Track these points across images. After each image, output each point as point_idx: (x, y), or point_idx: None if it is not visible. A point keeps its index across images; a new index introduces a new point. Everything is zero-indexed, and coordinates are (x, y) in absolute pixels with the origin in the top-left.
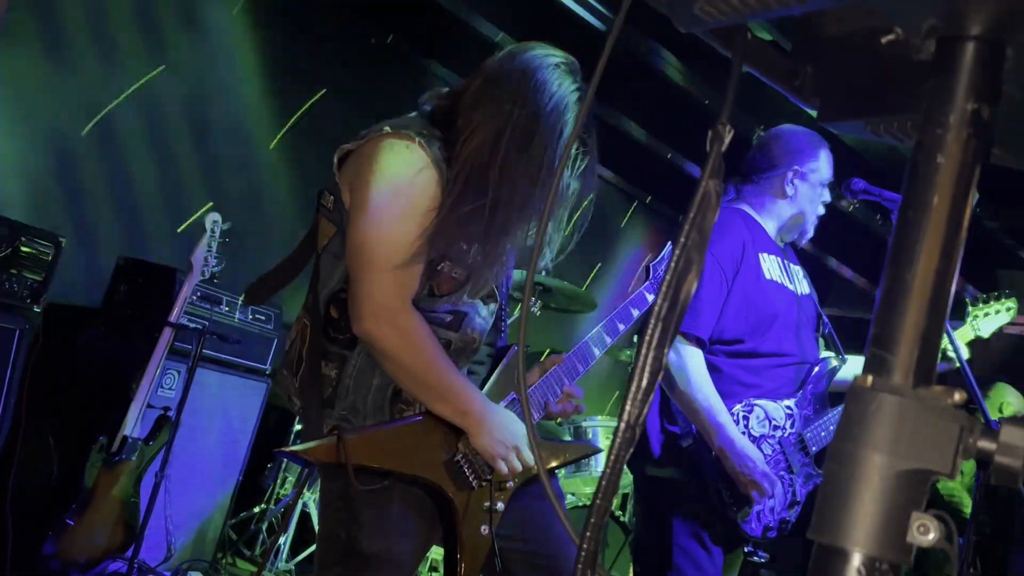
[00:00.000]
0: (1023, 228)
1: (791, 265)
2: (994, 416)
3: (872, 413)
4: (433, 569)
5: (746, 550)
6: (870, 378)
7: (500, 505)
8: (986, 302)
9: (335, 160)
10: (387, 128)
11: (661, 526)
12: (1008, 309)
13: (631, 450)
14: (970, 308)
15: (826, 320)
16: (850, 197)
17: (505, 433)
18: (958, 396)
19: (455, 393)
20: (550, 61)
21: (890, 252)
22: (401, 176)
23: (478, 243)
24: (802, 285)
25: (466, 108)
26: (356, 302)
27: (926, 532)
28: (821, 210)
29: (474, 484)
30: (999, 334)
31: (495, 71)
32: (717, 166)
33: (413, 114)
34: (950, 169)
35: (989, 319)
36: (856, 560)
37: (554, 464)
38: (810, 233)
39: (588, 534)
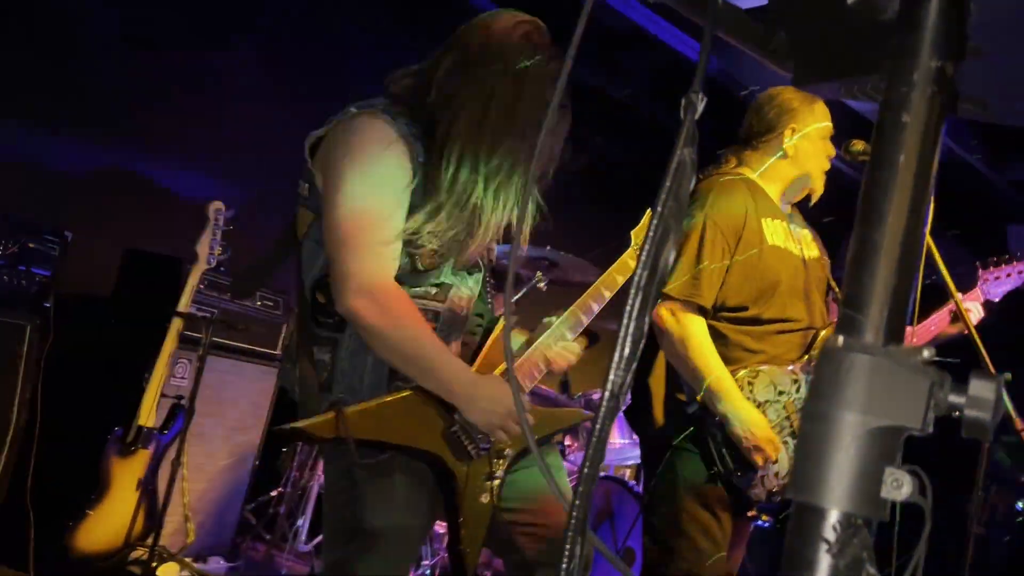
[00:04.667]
0: None
1: (798, 229)
2: None
3: (844, 372)
4: None
5: (749, 515)
6: (841, 338)
7: (499, 473)
8: (996, 265)
9: (306, 148)
10: (353, 109)
11: (669, 494)
12: (1020, 272)
13: (615, 418)
14: (980, 272)
15: (833, 285)
16: (849, 159)
17: (496, 403)
18: (927, 353)
19: (441, 367)
20: (521, 29)
21: (859, 212)
22: (370, 153)
23: (462, 213)
24: (810, 249)
25: (443, 84)
26: (337, 280)
27: (899, 486)
28: (827, 164)
29: (473, 454)
30: None
31: (468, 44)
32: (691, 134)
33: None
34: (916, 127)
35: (1000, 283)
36: (832, 516)
37: (548, 432)
38: (820, 189)
39: (578, 501)
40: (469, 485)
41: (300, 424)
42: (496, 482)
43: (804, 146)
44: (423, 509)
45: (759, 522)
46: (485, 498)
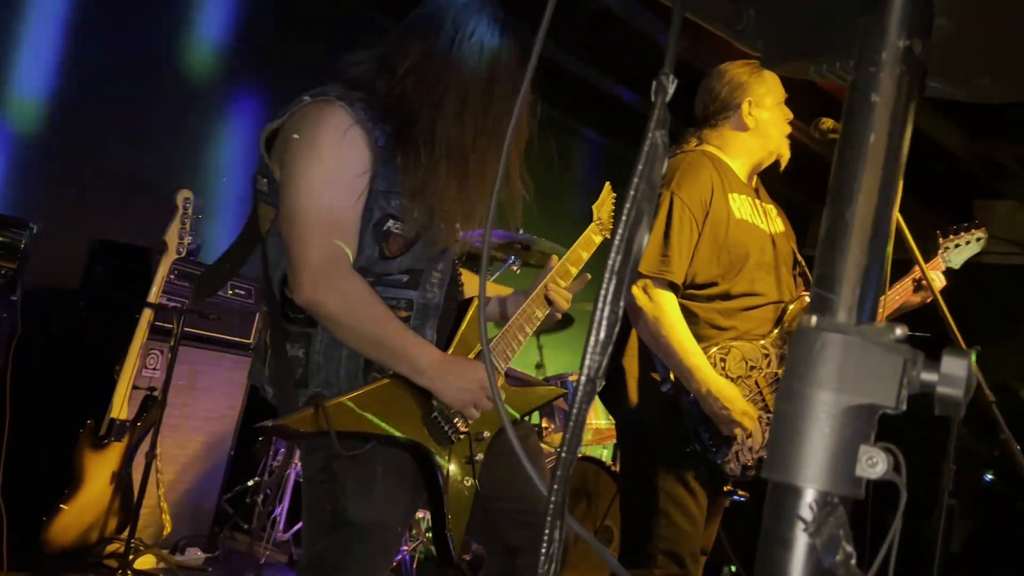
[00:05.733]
0: (997, 158)
1: (764, 204)
2: None
3: (817, 352)
4: (430, 529)
5: (726, 490)
6: (814, 318)
7: (480, 456)
8: (956, 233)
9: (262, 141)
10: (306, 98)
11: (645, 472)
12: (978, 239)
13: (592, 403)
14: (941, 240)
15: (799, 259)
16: (819, 137)
17: (467, 381)
18: (900, 331)
19: (408, 351)
20: (487, 11)
21: (829, 192)
22: (326, 141)
23: (457, 199)
24: (776, 224)
25: (415, 72)
26: (295, 271)
27: (874, 464)
28: (788, 129)
29: (453, 438)
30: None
31: (436, 30)
32: (663, 116)
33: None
34: (885, 107)
35: (960, 250)
36: (808, 496)
37: (523, 411)
38: (786, 154)
39: (556, 486)
40: (451, 469)
41: (280, 421)
42: (477, 465)
43: (764, 116)
44: (404, 499)
45: (736, 497)
46: (467, 481)
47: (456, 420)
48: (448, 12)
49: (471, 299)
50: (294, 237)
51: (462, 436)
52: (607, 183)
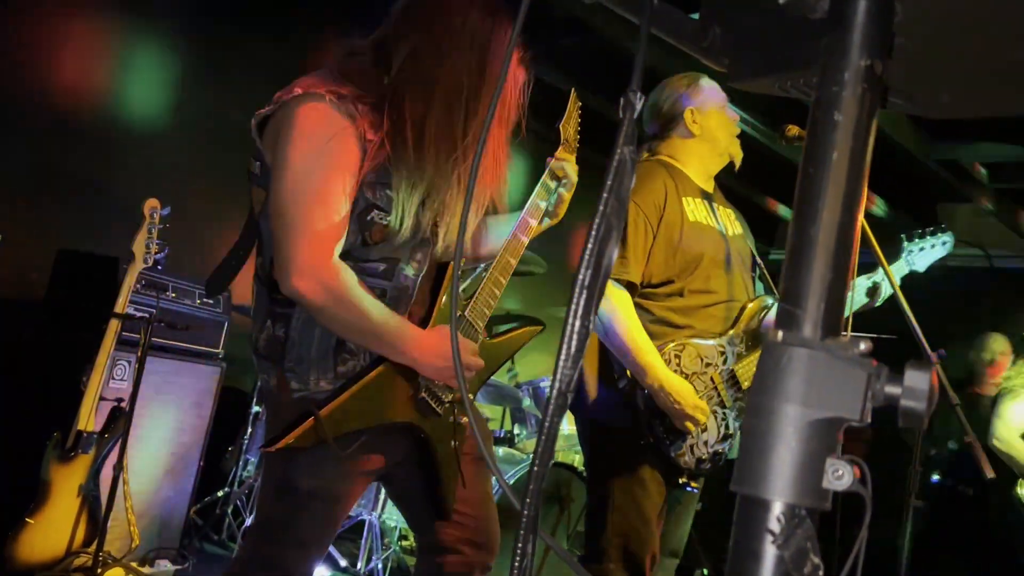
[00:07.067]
0: (961, 163)
1: (720, 207)
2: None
3: (784, 366)
4: (403, 538)
5: (681, 482)
6: (780, 333)
7: (463, 419)
8: (921, 236)
9: (253, 126)
10: (298, 90)
11: (601, 468)
12: (944, 243)
13: (563, 416)
14: (905, 243)
15: (759, 261)
16: (785, 143)
17: (447, 359)
18: (864, 345)
19: (393, 336)
20: (477, 2)
21: (795, 208)
22: (316, 138)
23: (426, 191)
24: (734, 226)
25: (409, 67)
26: (279, 266)
27: (840, 477)
28: (735, 129)
29: (439, 411)
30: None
31: (430, 25)
32: (630, 132)
33: (324, 69)
34: (847, 125)
35: (924, 253)
36: (776, 508)
37: (506, 356)
38: (738, 153)
39: (528, 500)
40: (438, 438)
41: (284, 443)
42: (460, 426)
43: (707, 122)
44: (356, 473)
45: (689, 488)
46: (452, 442)
47: (440, 392)
48: (436, 2)
49: (449, 262)
50: (279, 234)
51: (447, 404)
52: (572, 91)
